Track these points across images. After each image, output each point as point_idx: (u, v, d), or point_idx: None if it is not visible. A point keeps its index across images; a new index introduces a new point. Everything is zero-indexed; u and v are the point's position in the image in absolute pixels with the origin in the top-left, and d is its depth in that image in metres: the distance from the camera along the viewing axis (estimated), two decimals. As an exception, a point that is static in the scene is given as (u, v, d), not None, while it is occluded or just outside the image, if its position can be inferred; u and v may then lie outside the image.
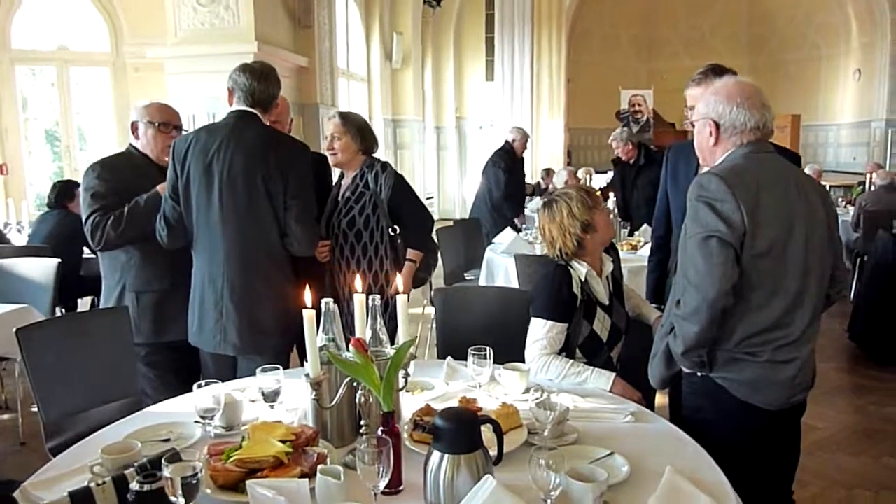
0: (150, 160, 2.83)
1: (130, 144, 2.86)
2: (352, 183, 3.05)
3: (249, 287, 2.52)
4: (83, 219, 2.72)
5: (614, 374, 2.12)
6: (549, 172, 9.03)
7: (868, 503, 2.98)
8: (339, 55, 9.14)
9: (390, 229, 3.04)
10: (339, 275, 3.07)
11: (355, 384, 1.60)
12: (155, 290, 2.74)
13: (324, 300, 1.71)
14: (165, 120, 2.83)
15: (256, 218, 2.52)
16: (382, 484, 1.33)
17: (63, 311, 4.85)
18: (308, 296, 1.52)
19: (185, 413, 1.93)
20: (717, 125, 1.84)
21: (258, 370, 1.78)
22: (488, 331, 2.62)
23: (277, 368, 1.78)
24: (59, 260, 4.02)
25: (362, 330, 1.57)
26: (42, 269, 4.08)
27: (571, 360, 2.17)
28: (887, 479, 3.16)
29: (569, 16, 11.92)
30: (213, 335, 2.53)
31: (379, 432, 1.46)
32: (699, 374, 1.87)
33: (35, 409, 2.42)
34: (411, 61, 11.38)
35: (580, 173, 8.24)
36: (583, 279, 2.24)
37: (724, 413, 1.84)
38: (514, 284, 4.31)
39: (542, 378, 2.14)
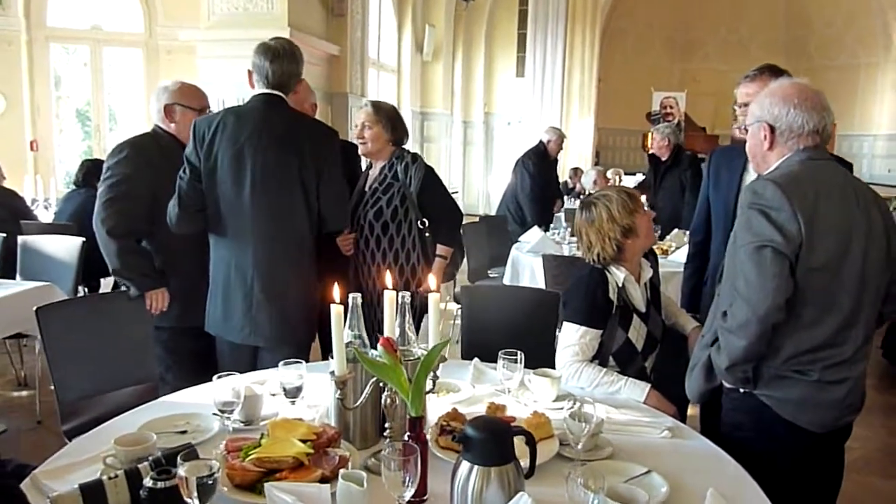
0: (178, 142, 2.77)
1: (157, 126, 2.80)
2: (380, 174, 2.98)
3: (281, 279, 2.47)
4: (100, 197, 2.65)
5: (649, 386, 2.02)
6: (576, 172, 8.89)
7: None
8: (371, 45, 9.08)
9: (419, 222, 2.97)
10: (364, 267, 3.00)
11: (381, 384, 1.52)
12: (182, 274, 2.69)
13: (351, 295, 1.63)
14: (203, 105, 2.80)
15: (290, 210, 2.46)
16: (409, 494, 1.25)
17: (86, 290, 4.84)
18: (336, 290, 1.44)
19: (203, 404, 1.87)
20: (773, 129, 1.73)
21: (280, 364, 1.71)
22: (515, 332, 2.54)
23: (300, 362, 1.71)
24: (84, 239, 4.00)
25: (391, 328, 1.49)
26: (67, 247, 4.08)
27: (605, 369, 2.08)
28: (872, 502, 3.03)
29: (603, 14, 11.73)
30: (242, 326, 2.48)
31: (405, 438, 1.39)
32: (742, 390, 1.77)
33: (53, 389, 2.39)
34: (442, 54, 11.29)
35: (609, 174, 8.09)
36: (620, 284, 2.14)
37: (767, 432, 1.74)
38: (541, 284, 4.23)
39: (573, 386, 2.05)
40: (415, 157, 3.02)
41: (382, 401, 1.52)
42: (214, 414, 1.77)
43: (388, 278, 1.55)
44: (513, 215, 6.12)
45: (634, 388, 2.02)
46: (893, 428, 3.89)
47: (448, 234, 3.04)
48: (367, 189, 3.00)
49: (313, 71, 7.60)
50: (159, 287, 2.65)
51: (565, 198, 8.02)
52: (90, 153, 7.76)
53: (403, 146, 3.07)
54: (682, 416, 2.20)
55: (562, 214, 6.83)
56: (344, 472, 1.32)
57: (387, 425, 1.54)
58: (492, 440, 1.31)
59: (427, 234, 3.00)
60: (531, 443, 1.39)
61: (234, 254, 2.48)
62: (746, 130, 1.87)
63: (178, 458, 1.19)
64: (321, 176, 2.47)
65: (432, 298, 1.54)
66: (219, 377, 1.71)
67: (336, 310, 1.43)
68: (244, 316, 2.48)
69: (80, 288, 4.32)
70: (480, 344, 2.51)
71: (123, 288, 2.65)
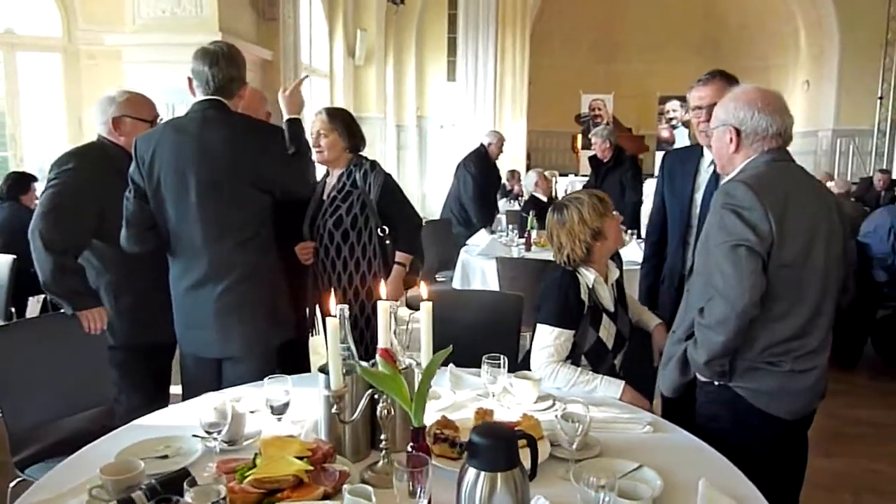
0: (127, 153, 2.63)
1: (103, 137, 2.66)
2: (338, 182, 2.94)
3: (242, 290, 2.38)
4: (40, 206, 2.49)
5: (623, 382, 2.08)
6: (513, 174, 9.03)
7: (850, 505, 3.04)
8: (303, 50, 8.93)
9: (379, 230, 2.95)
10: (324, 276, 2.95)
11: (375, 396, 1.51)
12: (134, 291, 2.58)
13: (339, 307, 1.60)
14: (154, 115, 2.70)
15: (243, 222, 2.37)
16: (422, 505, 1.25)
17: (13, 311, 4.55)
18: (333, 302, 1.41)
19: (177, 426, 1.80)
20: (738, 132, 1.82)
21: (266, 380, 1.67)
22: (479, 336, 2.55)
23: (285, 378, 1.67)
24: (14, 256, 3.77)
25: (387, 339, 1.48)
26: (-6, 265, 3.83)
27: (580, 368, 2.12)
28: (866, 480, 3.23)
29: (531, 17, 11.96)
30: (206, 341, 2.40)
31: (408, 448, 1.38)
32: (716, 382, 1.84)
33: None
34: (374, 59, 11.22)
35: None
36: (590, 286, 2.19)
37: (742, 422, 1.82)
38: (492, 286, 4.27)
39: (550, 386, 2.08)
40: (373, 164, 2.99)
41: (378, 413, 1.51)
42: (195, 435, 1.71)
43: (383, 289, 1.53)
44: (457, 217, 6.17)
45: (610, 385, 2.07)
46: (831, 410, 4.12)
47: (408, 240, 3.01)
48: (325, 197, 2.95)
49: (247, 77, 7.41)
50: (94, 306, 2.50)
51: (504, 200, 8.15)
52: (6, 164, 7.31)
53: (360, 153, 3.04)
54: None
55: (503, 216, 6.93)
56: (350, 488, 1.30)
57: (382, 437, 1.53)
58: (498, 446, 1.31)
59: (387, 242, 2.98)
60: (533, 445, 1.40)
61: (191, 269, 2.40)
62: (709, 134, 1.96)
63: (185, 483, 1.14)
64: (272, 175, 2.40)
65: (424, 307, 1.53)
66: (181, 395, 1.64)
67: (332, 323, 1.40)
68: (209, 330, 2.40)
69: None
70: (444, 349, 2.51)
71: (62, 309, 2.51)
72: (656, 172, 5.86)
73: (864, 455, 3.46)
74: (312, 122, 2.98)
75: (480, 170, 6.29)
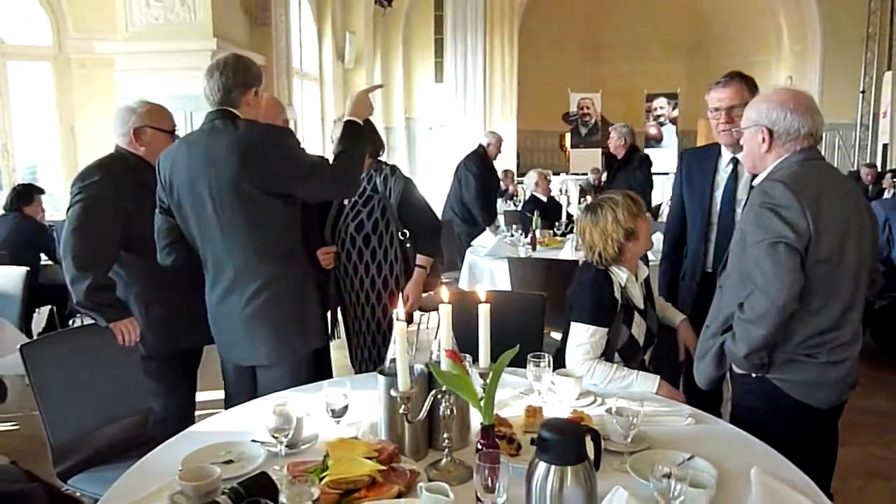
0: (148, 165, 2.62)
1: (122, 148, 2.67)
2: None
3: (265, 300, 2.35)
4: (69, 223, 2.49)
5: (658, 377, 2.14)
6: (507, 174, 9.10)
7: (859, 491, 3.12)
8: (293, 54, 8.94)
9: (400, 234, 2.99)
10: (346, 280, 3.00)
11: (438, 396, 1.55)
12: (163, 300, 2.61)
13: (394, 311, 1.65)
14: (173, 126, 2.71)
15: (261, 229, 2.34)
16: (501, 500, 1.29)
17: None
18: (400, 305, 1.46)
19: (231, 432, 1.84)
20: (771, 132, 1.88)
21: (325, 384, 1.71)
22: (503, 335, 2.59)
23: (345, 381, 1.71)
24: (28, 268, 3.76)
25: (449, 339, 1.52)
26: (6, 277, 3.81)
27: (615, 365, 2.18)
28: (875, 467, 3.33)
29: (519, 17, 12.04)
30: (241, 349, 2.42)
31: (478, 446, 1.43)
32: (754, 375, 1.91)
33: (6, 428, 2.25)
34: (364, 61, 11.24)
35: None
36: (623, 284, 2.25)
37: (779, 413, 1.89)
38: (501, 287, 4.33)
39: (587, 383, 2.14)
40: (393, 168, 3.03)
41: (441, 412, 1.55)
42: (254, 440, 1.74)
43: (444, 292, 1.57)
44: (460, 217, 6.25)
45: (645, 380, 2.13)
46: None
47: (428, 244, 3.05)
48: (346, 202, 2.99)
49: (241, 82, 7.40)
50: (125, 317, 2.52)
51: (500, 200, 8.22)
52: (-2, 176, 7.26)
53: (379, 158, 3.08)
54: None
55: (502, 217, 6.99)
56: (427, 486, 1.35)
57: (445, 436, 1.57)
58: (567, 441, 1.37)
59: (408, 245, 3.02)
60: (597, 439, 1.46)
61: (219, 280, 2.41)
62: (738, 134, 2.03)
63: (281, 488, 1.18)
64: (285, 184, 2.32)
65: (443, 309, 1.54)
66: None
67: (400, 327, 1.45)
68: (239, 338, 2.41)
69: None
70: (469, 349, 2.55)
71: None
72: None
73: (870, 443, 3.56)
74: (333, 130, 3.00)
75: (481, 169, 6.37)
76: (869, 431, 3.71)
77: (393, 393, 1.51)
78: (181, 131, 2.81)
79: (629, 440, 1.63)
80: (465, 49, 10.85)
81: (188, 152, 2.33)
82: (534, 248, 4.77)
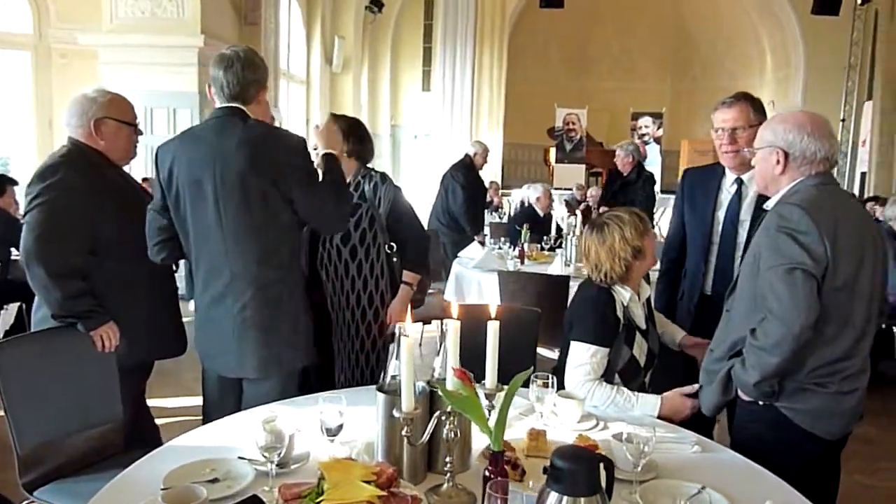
0: (109, 162, 2.49)
1: (78, 141, 2.45)
2: None
3: (263, 308, 2.24)
4: (31, 229, 2.29)
5: (659, 399, 2.08)
6: (491, 185, 9.05)
7: (847, 520, 3.09)
8: (280, 56, 8.83)
9: (387, 246, 2.87)
10: (332, 297, 2.81)
11: (443, 418, 1.47)
12: (129, 309, 2.44)
13: (397, 325, 1.56)
14: (136, 119, 2.54)
15: (262, 233, 2.23)
16: (513, 533, 1.21)
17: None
18: (409, 320, 1.37)
19: (214, 447, 1.73)
20: (787, 154, 1.84)
21: (321, 398, 1.61)
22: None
23: (340, 398, 1.61)
24: (-1, 263, 3.59)
25: (456, 359, 1.44)
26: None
27: (616, 386, 2.11)
28: (861, 495, 3.30)
29: (508, 31, 12.06)
30: (227, 359, 2.29)
31: (486, 472, 1.35)
32: (761, 402, 1.85)
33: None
34: (352, 66, 11.16)
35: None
36: (626, 304, 2.19)
37: (786, 442, 1.83)
38: (489, 300, 4.25)
39: (587, 405, 2.07)
40: (383, 176, 2.90)
41: (445, 436, 1.47)
42: (241, 458, 1.64)
43: (455, 308, 1.49)
44: (446, 225, 6.19)
45: (646, 403, 2.07)
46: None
47: (416, 259, 2.92)
48: None
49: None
50: (106, 322, 2.37)
51: (486, 211, 8.17)
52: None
53: (368, 164, 2.96)
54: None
55: (487, 229, 6.94)
56: (432, 515, 1.26)
57: (448, 460, 1.49)
58: (581, 470, 1.29)
59: (394, 259, 2.89)
60: (610, 469, 1.38)
61: (213, 285, 2.28)
62: (751, 153, 1.98)
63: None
64: (291, 189, 2.22)
65: (492, 326, 1.49)
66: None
67: (406, 343, 1.36)
68: (229, 349, 2.27)
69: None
70: (465, 364, 2.47)
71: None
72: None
73: (858, 471, 3.53)
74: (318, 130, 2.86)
75: (468, 179, 6.32)
76: (856, 458, 3.68)
77: (396, 413, 1.42)
78: (163, 129, 2.67)
79: (639, 469, 1.55)
80: (455, 59, 10.82)
81: (193, 147, 2.22)
82: (522, 262, 4.71)
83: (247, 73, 2.24)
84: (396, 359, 1.59)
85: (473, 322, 2.65)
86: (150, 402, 2.84)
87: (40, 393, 2.19)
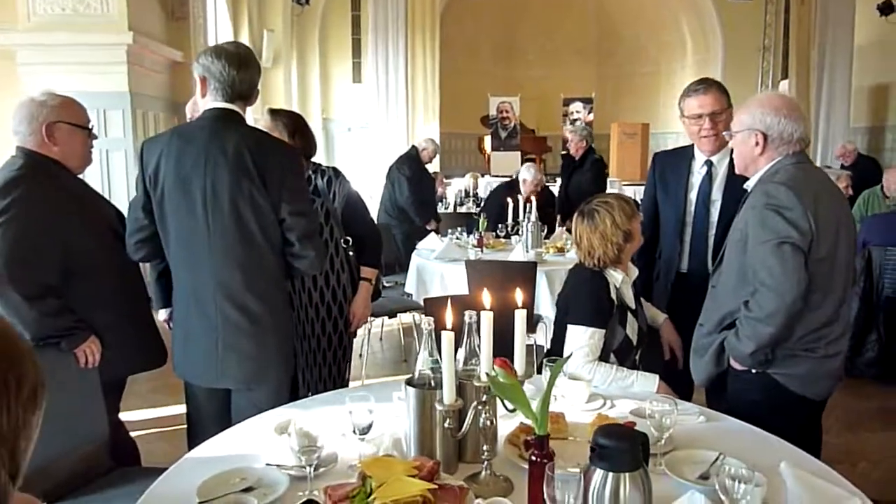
0: (68, 171, 2.38)
1: (30, 150, 2.30)
2: None
3: (247, 316, 2.17)
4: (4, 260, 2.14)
5: (657, 376, 2.17)
6: (436, 175, 9.07)
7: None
8: (211, 51, 8.55)
9: (343, 241, 2.85)
10: (292, 294, 2.72)
11: (479, 408, 1.49)
12: (106, 326, 2.36)
13: (425, 319, 1.58)
14: (89, 122, 2.43)
15: (250, 241, 2.15)
16: (571, 512, 1.25)
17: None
18: (449, 314, 1.39)
19: (235, 456, 1.70)
20: (765, 136, 1.95)
21: (348, 398, 1.60)
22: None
23: (369, 396, 1.61)
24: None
25: (489, 348, 1.47)
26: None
27: (615, 366, 2.19)
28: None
29: (439, 21, 12.06)
30: (207, 368, 2.22)
31: (532, 458, 1.39)
32: (753, 371, 1.97)
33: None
34: (282, 60, 10.91)
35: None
36: (618, 286, 2.27)
37: (779, 406, 1.96)
38: (455, 290, 4.28)
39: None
40: (336, 171, 2.87)
41: (482, 424, 1.50)
42: (269, 464, 1.62)
43: (487, 298, 1.51)
44: (395, 219, 6.20)
45: (646, 380, 2.15)
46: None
47: (373, 254, 2.94)
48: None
49: (157, 79, 7.00)
50: (88, 338, 2.28)
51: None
52: None
53: (311, 159, 2.87)
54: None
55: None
56: (488, 502, 1.29)
57: (485, 448, 1.52)
58: (625, 447, 1.34)
59: (351, 254, 2.87)
60: (646, 443, 1.45)
61: (194, 291, 2.21)
62: (730, 137, 2.09)
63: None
64: (281, 202, 2.15)
65: (485, 317, 1.49)
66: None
67: (448, 336, 1.38)
68: (210, 357, 2.20)
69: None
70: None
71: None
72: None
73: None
74: (255, 125, 2.78)
75: (413, 171, 6.35)
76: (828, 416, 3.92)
77: (438, 406, 1.43)
78: (96, 131, 2.53)
79: (662, 441, 1.63)
80: (387, 50, 10.75)
81: (183, 146, 2.13)
82: (482, 250, 4.76)
83: (255, 75, 2.20)
84: (425, 351, 1.61)
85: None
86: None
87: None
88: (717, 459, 1.62)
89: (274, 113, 2.81)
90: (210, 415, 2.30)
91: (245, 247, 2.16)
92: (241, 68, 2.14)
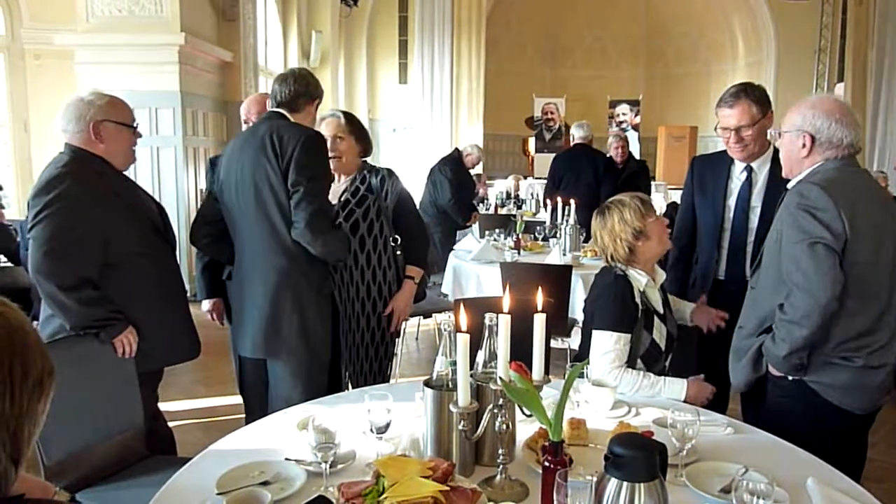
0: (113, 168, 2.44)
1: (78, 147, 2.37)
2: (351, 185, 2.84)
3: (267, 291, 2.49)
4: (40, 244, 2.23)
5: (685, 382, 2.12)
6: (479, 178, 9.07)
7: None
8: (259, 51, 8.73)
9: (391, 239, 2.88)
10: (343, 288, 2.79)
11: (495, 411, 1.48)
12: (145, 317, 2.42)
13: (443, 321, 1.58)
14: (134, 121, 2.50)
15: (267, 219, 2.47)
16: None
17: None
18: (463, 317, 1.38)
19: (255, 450, 1.72)
20: (813, 138, 1.89)
21: (367, 396, 1.61)
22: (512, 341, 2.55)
23: (387, 395, 1.61)
24: (-5, 271, 3.52)
25: (506, 352, 1.45)
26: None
27: (642, 372, 2.15)
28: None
29: (486, 22, 12.05)
30: (243, 339, 2.59)
31: (546, 464, 1.37)
32: (790, 378, 1.91)
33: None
34: (329, 60, 11.07)
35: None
36: (642, 289, 2.23)
37: (814, 417, 1.89)
38: (490, 292, 4.26)
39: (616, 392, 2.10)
40: (390, 171, 2.93)
41: (497, 428, 1.49)
42: (287, 459, 1.64)
43: (507, 300, 1.50)
44: (433, 219, 6.22)
45: (673, 386, 2.11)
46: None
47: (420, 254, 2.96)
48: (336, 201, 2.83)
49: (207, 79, 7.19)
50: (125, 328, 2.35)
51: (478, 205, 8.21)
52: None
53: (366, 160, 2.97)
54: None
55: (476, 223, 6.97)
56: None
57: (500, 451, 1.51)
58: (641, 457, 1.31)
59: (398, 253, 2.91)
60: (664, 454, 1.41)
61: (238, 268, 2.60)
62: (777, 137, 2.03)
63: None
64: (287, 175, 2.41)
65: (503, 320, 1.48)
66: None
67: (462, 339, 1.37)
68: (243, 328, 2.57)
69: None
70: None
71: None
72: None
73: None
74: (325, 126, 2.86)
75: (455, 173, 6.37)
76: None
77: (452, 408, 1.43)
78: (145, 130, 2.67)
79: (684, 452, 1.59)
80: (433, 52, 10.79)
81: (234, 143, 2.60)
82: (519, 253, 4.74)
83: (297, 86, 2.55)
84: (442, 355, 1.61)
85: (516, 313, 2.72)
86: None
87: (63, 404, 2.15)
88: (743, 473, 1.57)
89: (344, 114, 2.94)
90: (255, 384, 2.71)
91: (265, 226, 2.47)
92: (278, 82, 2.58)
